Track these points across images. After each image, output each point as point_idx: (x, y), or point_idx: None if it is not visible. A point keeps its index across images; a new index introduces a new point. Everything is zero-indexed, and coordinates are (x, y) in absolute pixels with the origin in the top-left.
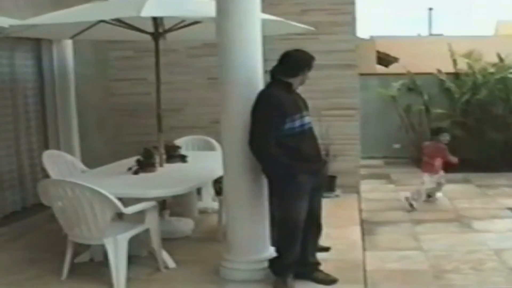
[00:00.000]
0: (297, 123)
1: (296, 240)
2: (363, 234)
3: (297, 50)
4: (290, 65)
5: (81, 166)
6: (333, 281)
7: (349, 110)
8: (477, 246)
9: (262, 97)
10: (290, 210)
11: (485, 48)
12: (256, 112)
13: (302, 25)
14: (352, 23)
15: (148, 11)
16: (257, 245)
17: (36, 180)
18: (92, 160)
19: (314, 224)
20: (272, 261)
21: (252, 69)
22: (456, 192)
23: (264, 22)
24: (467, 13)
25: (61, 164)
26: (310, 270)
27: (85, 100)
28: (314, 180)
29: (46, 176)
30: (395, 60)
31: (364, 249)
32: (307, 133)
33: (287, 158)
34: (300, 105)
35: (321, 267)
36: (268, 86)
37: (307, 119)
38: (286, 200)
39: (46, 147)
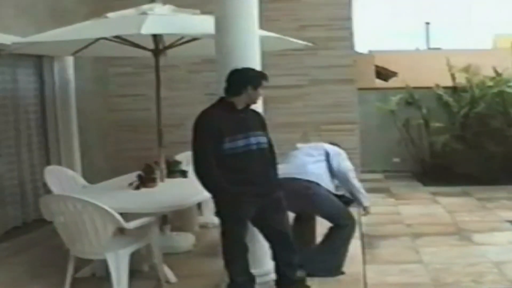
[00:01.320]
0: (240, 143)
1: (236, 261)
2: (363, 247)
3: (243, 68)
4: (231, 83)
5: (82, 181)
6: None
7: (348, 124)
8: (477, 259)
9: (196, 119)
10: (227, 232)
11: (483, 61)
12: (192, 135)
13: (300, 41)
14: (350, 38)
15: (148, 28)
16: (257, 259)
17: (37, 195)
18: (93, 175)
19: (280, 242)
20: None
21: None
22: (455, 205)
23: (263, 38)
24: (465, 27)
25: (62, 180)
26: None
27: (86, 116)
28: (259, 202)
29: (48, 191)
30: (393, 74)
31: (364, 262)
32: (255, 154)
33: (230, 179)
34: (248, 125)
35: (308, 283)
36: (209, 106)
37: (255, 139)
38: (225, 222)
39: (48, 162)
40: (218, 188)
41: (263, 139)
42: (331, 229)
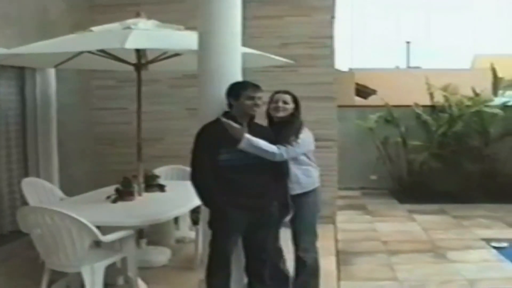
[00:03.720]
0: (237, 155)
1: (217, 275)
2: (338, 264)
3: (235, 82)
4: (225, 97)
5: (60, 194)
6: None
7: (327, 141)
8: (452, 276)
9: (198, 131)
10: (214, 244)
11: (462, 81)
12: (192, 146)
13: (282, 58)
14: (331, 56)
15: (132, 43)
16: (234, 274)
17: (14, 207)
18: (71, 188)
19: (253, 255)
20: None
21: None
22: (432, 223)
23: (245, 55)
24: (445, 47)
25: (40, 192)
26: None
27: (67, 128)
28: (250, 216)
29: (25, 203)
30: (373, 92)
31: (339, 279)
32: (253, 167)
33: (225, 191)
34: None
35: None
36: (213, 120)
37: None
38: (214, 234)
39: (26, 174)
40: (211, 199)
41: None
42: None
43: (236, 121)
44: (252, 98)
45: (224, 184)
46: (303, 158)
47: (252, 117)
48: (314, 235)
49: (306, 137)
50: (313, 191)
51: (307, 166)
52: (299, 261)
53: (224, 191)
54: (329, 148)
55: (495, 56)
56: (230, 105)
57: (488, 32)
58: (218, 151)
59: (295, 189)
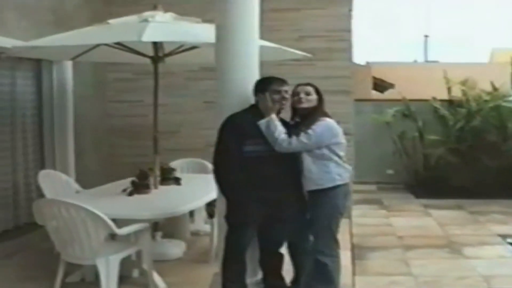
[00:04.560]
0: (261, 147)
1: (232, 268)
2: (353, 258)
3: (263, 77)
4: (253, 92)
5: (76, 186)
6: None
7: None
8: (467, 272)
9: (222, 122)
10: (230, 237)
11: (480, 75)
12: (217, 136)
13: (300, 52)
14: (348, 49)
15: (149, 36)
16: (249, 268)
17: (30, 199)
18: (87, 180)
19: (272, 252)
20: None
21: (248, 94)
22: (447, 218)
23: (262, 48)
24: (463, 41)
25: (56, 184)
26: None
27: (83, 121)
28: (268, 209)
29: (41, 195)
30: (390, 86)
31: (354, 273)
32: (275, 160)
33: (245, 183)
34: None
35: None
36: (239, 111)
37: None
38: (230, 226)
39: (42, 166)
40: (232, 191)
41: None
42: None
43: (262, 116)
44: (279, 92)
45: (247, 176)
46: (321, 151)
47: (278, 112)
48: (329, 239)
49: (323, 129)
50: (332, 189)
51: (327, 160)
52: (303, 262)
53: (246, 184)
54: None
55: None
56: (257, 101)
57: (506, 25)
58: (243, 142)
59: (308, 185)
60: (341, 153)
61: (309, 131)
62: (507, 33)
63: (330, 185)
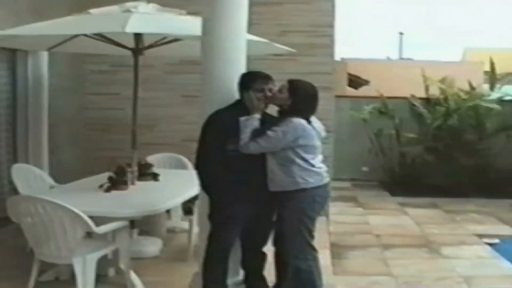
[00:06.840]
0: None
1: (216, 264)
2: (332, 258)
3: (247, 71)
4: (238, 87)
5: (50, 180)
6: None
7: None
8: (447, 272)
9: (206, 118)
10: (213, 236)
11: (453, 74)
12: (200, 134)
13: (285, 47)
14: (331, 45)
15: (132, 27)
16: (230, 268)
17: (2, 193)
18: (61, 174)
19: (256, 252)
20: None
21: (235, 89)
22: (424, 217)
23: (248, 42)
24: (435, 39)
25: (30, 178)
26: None
27: (58, 113)
28: (252, 209)
29: (13, 189)
30: (365, 82)
31: (334, 273)
32: (259, 159)
33: (229, 181)
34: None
35: None
36: (223, 107)
37: None
38: (214, 225)
39: (15, 160)
40: (216, 190)
41: None
42: None
43: (248, 112)
44: (262, 90)
45: (230, 175)
46: (284, 153)
47: (265, 106)
48: (301, 244)
49: (286, 130)
50: (295, 192)
51: (290, 163)
52: (285, 266)
53: (230, 183)
54: (325, 139)
55: (486, 49)
56: (242, 96)
57: (479, 26)
58: (226, 140)
59: (271, 186)
60: (308, 156)
61: (269, 132)
62: (479, 34)
63: (293, 188)
